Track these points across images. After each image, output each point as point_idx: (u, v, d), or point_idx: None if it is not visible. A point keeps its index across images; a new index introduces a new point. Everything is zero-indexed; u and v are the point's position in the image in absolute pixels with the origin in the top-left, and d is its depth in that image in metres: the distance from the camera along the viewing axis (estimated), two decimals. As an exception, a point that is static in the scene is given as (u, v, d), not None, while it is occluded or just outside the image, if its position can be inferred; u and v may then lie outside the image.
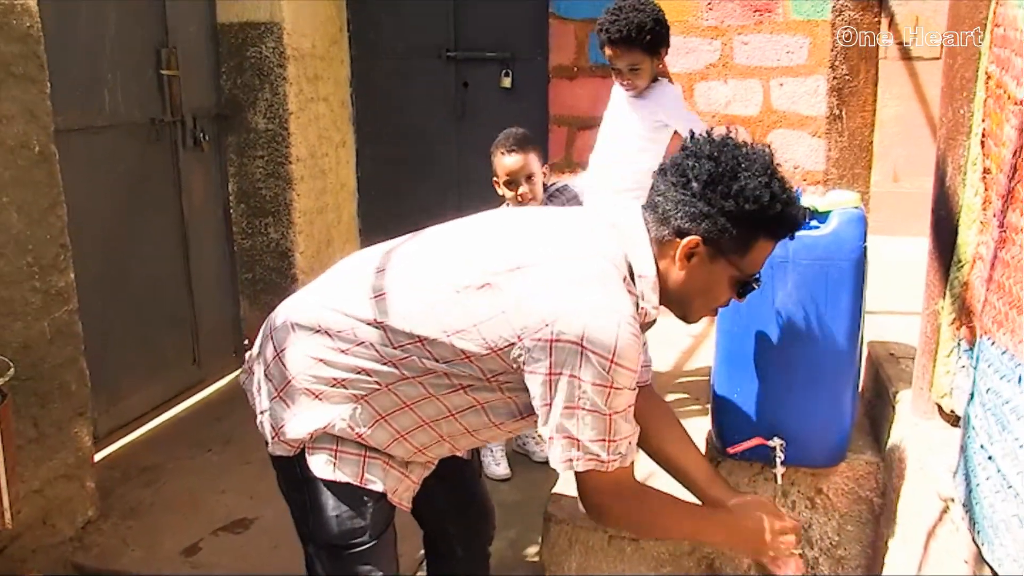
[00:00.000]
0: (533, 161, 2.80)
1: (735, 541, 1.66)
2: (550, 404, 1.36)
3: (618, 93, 2.81)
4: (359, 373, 1.47)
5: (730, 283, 1.45)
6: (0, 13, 2.36)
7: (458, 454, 1.71)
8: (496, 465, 3.16)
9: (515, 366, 1.39)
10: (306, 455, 1.53)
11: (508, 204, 2.86)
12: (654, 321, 1.52)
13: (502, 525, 2.80)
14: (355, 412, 1.49)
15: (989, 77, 1.41)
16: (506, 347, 1.38)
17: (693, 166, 1.39)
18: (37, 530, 2.63)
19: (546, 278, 1.38)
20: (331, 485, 1.53)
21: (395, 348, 1.44)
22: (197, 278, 3.98)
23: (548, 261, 1.41)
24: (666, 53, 2.74)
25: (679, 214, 1.39)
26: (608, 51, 2.66)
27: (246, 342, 4.36)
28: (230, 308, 4.30)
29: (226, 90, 4.16)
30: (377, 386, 1.47)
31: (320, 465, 1.52)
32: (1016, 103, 1.12)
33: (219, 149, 4.16)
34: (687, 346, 3.89)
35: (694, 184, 1.38)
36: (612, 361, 1.31)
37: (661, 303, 1.48)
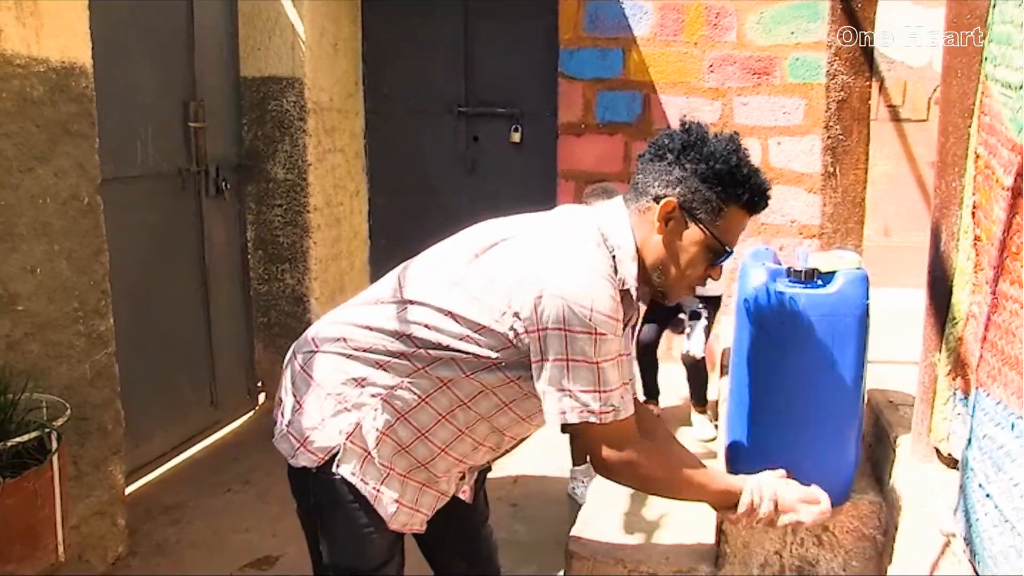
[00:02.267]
0: None
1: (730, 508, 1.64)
2: (541, 360, 1.46)
3: None
4: (378, 368, 1.57)
5: (705, 251, 1.55)
6: (61, 76, 2.54)
7: (463, 497, 1.79)
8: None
9: (511, 334, 1.49)
10: (332, 464, 1.58)
11: None
12: (637, 315, 1.62)
13: (520, 562, 2.94)
14: (377, 413, 1.58)
15: (978, 157, 1.59)
16: (500, 316, 1.49)
17: (667, 141, 1.55)
18: (73, 565, 2.74)
19: (526, 246, 1.53)
20: (344, 506, 1.61)
21: (406, 340, 1.55)
22: (215, 321, 4.11)
23: (527, 233, 1.56)
24: None
25: (657, 183, 1.54)
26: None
27: (259, 384, 4.49)
28: (245, 351, 4.44)
29: (247, 141, 4.34)
30: (394, 382, 1.57)
31: (347, 471, 1.59)
32: (1004, 188, 1.30)
33: (239, 198, 4.33)
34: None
35: (668, 155, 1.53)
36: (592, 310, 1.41)
37: (643, 282, 1.59)
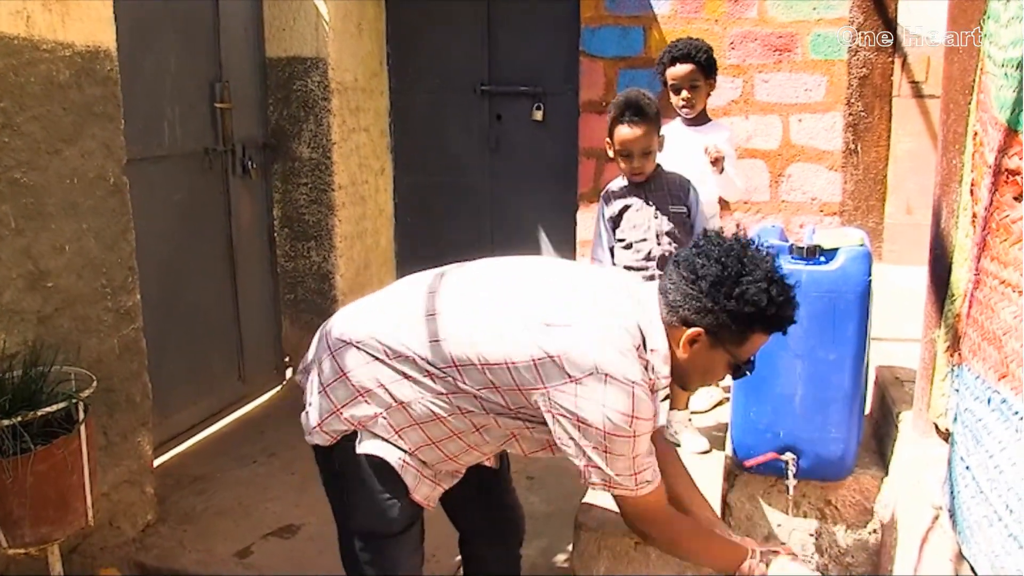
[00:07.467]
0: (653, 136, 2.77)
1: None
2: (580, 444, 1.57)
3: (674, 131, 3.05)
4: (404, 379, 1.67)
5: (726, 366, 1.67)
6: (86, 59, 2.61)
7: (488, 465, 1.91)
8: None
9: (535, 404, 1.60)
10: (356, 440, 1.72)
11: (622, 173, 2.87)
12: (666, 384, 1.72)
13: (533, 534, 2.98)
14: (392, 413, 1.69)
15: (976, 135, 1.60)
16: (530, 389, 1.59)
17: (702, 265, 1.59)
18: (104, 530, 2.85)
19: (574, 339, 1.59)
20: (366, 474, 1.72)
21: (434, 365, 1.65)
22: (243, 298, 4.20)
23: (576, 323, 1.61)
24: (713, 87, 3.11)
25: (686, 306, 1.60)
26: (671, 69, 3.04)
27: (287, 359, 4.59)
28: (272, 327, 4.53)
29: (273, 121, 4.41)
30: (415, 396, 1.67)
31: (368, 446, 1.71)
32: (987, 166, 1.31)
33: (265, 177, 4.40)
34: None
35: (702, 283, 1.58)
36: (633, 417, 1.54)
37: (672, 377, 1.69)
